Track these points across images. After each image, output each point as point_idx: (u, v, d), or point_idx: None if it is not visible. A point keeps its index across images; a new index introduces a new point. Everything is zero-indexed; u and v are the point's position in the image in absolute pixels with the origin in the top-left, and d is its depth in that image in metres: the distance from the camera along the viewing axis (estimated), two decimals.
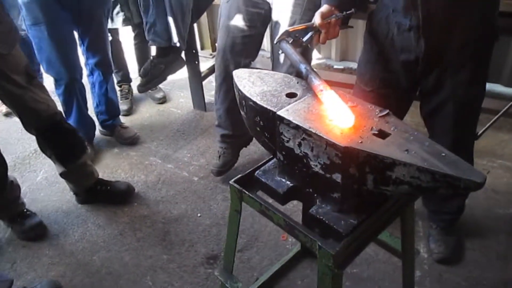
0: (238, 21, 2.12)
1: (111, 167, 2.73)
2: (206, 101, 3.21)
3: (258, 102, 1.19)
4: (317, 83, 1.13)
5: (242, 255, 2.06)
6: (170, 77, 2.85)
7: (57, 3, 2.28)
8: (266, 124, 1.20)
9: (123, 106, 3.25)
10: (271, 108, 1.15)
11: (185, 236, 2.20)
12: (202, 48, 4.01)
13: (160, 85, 3.26)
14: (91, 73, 2.75)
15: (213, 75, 2.47)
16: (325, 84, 1.13)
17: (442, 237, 1.99)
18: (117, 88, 3.28)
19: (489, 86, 2.91)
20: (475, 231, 2.09)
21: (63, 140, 2.18)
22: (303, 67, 1.21)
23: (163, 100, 3.40)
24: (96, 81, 2.77)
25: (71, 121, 2.66)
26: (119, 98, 3.26)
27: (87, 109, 2.76)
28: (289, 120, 1.10)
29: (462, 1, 1.39)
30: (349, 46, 3.35)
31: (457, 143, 1.68)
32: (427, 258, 1.98)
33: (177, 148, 2.87)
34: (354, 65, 3.27)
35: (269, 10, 2.08)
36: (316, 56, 3.52)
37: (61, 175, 2.29)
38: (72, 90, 2.56)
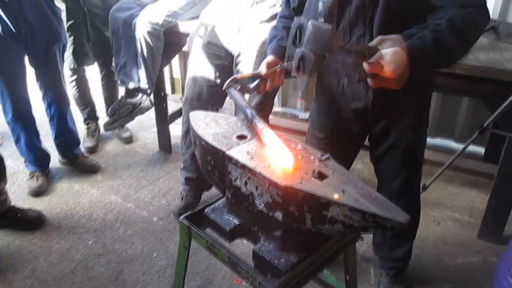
0: (204, 72, 2.26)
1: (70, 204, 2.70)
2: (172, 143, 3.26)
3: (209, 142, 1.26)
4: (260, 127, 1.22)
5: None
6: (139, 118, 2.90)
7: (10, 40, 2.37)
8: (216, 163, 1.26)
9: (88, 144, 3.25)
10: (221, 148, 1.22)
11: (139, 276, 2.18)
12: (172, 92, 4.10)
13: (128, 125, 3.30)
14: (48, 107, 2.79)
15: (181, 118, 2.54)
16: (268, 128, 1.22)
17: (391, 285, 2.04)
18: (84, 126, 3.30)
19: (442, 141, 3.13)
20: (424, 280, 2.15)
21: None
22: (248, 111, 1.29)
23: (129, 140, 3.42)
24: (54, 115, 2.81)
25: (20, 149, 2.73)
26: (85, 136, 3.28)
27: (39, 141, 2.79)
28: (236, 160, 1.17)
29: None
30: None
31: (404, 187, 1.77)
32: None
33: (139, 188, 2.87)
34: None
35: (231, 62, 2.21)
36: (283, 106, 3.66)
37: None
38: (19, 119, 2.61)
